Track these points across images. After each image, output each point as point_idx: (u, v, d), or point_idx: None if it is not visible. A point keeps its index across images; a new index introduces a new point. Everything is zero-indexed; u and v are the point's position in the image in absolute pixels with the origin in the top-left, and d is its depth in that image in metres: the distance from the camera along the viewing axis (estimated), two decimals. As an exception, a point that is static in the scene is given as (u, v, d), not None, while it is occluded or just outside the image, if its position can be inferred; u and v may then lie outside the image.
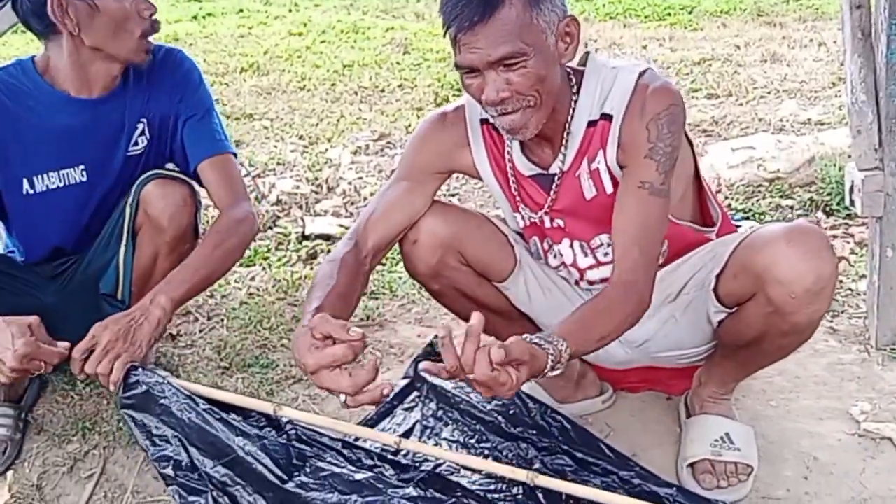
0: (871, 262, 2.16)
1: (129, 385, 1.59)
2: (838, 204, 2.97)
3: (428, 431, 1.76)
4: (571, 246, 1.71)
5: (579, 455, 1.61)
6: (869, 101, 2.01)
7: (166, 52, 1.97)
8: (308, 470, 1.53)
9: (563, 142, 1.60)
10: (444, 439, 1.74)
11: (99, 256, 1.95)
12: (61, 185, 1.88)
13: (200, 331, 2.39)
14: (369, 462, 1.57)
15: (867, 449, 1.79)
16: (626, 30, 6.68)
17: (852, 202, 2.10)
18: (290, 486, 1.49)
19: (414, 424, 1.78)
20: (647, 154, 1.52)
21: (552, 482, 1.45)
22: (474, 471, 1.55)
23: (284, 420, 1.59)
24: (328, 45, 6.61)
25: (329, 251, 2.92)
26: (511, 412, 1.72)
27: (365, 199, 3.42)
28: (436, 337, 1.90)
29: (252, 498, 1.49)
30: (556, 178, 1.64)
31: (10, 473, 1.83)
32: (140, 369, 1.61)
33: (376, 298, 2.58)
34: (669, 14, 7.20)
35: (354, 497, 1.47)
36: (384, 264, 2.85)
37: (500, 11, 1.40)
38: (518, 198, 1.70)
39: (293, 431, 1.59)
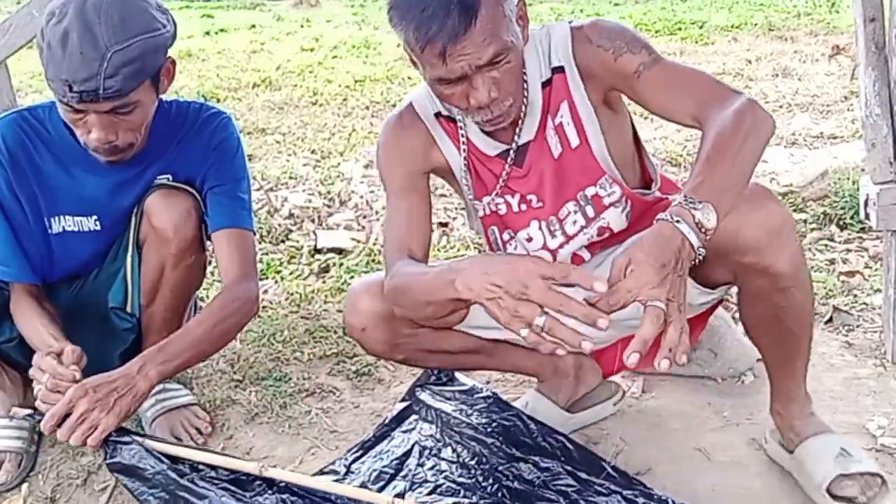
0: (887, 276, 2.14)
1: (110, 451, 1.56)
2: (852, 217, 2.96)
3: (426, 452, 1.74)
4: (540, 228, 1.71)
5: (582, 476, 1.60)
6: (883, 115, 2.01)
7: (210, 115, 1.92)
8: None
9: (522, 113, 1.60)
10: (444, 460, 1.72)
11: (107, 268, 1.95)
12: (76, 229, 1.88)
13: (213, 344, 2.38)
14: None
15: (885, 464, 1.77)
16: (636, 44, 6.69)
17: (867, 216, 2.09)
18: None
19: (412, 446, 1.76)
20: (616, 57, 1.53)
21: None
22: None
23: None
24: (340, 60, 6.67)
25: (342, 264, 2.93)
26: (511, 433, 1.70)
27: (377, 212, 3.42)
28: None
29: None
30: (519, 149, 1.64)
31: (24, 486, 1.83)
32: (115, 434, 1.57)
33: (389, 312, 2.58)
34: (680, 28, 7.22)
35: None
36: (396, 278, 2.85)
37: (479, 14, 1.39)
38: (481, 180, 1.69)
39: (283, 484, 1.58)
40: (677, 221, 1.23)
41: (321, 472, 1.75)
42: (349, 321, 1.74)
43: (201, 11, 9.77)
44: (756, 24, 7.14)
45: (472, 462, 1.69)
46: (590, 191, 1.67)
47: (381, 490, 1.65)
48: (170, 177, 1.88)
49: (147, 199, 1.86)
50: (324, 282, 2.82)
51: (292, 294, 2.69)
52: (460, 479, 1.66)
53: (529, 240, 1.72)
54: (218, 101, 5.27)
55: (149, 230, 1.87)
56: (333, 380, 2.20)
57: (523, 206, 1.70)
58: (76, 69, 1.58)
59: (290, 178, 3.87)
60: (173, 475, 1.53)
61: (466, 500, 1.60)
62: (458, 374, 1.87)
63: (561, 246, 1.72)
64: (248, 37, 7.84)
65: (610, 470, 1.61)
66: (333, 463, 1.78)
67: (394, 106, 5.24)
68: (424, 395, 1.84)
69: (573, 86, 1.60)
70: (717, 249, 1.46)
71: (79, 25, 1.58)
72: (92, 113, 1.64)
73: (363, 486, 1.67)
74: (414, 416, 1.83)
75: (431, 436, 1.77)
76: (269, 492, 1.57)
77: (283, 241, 3.19)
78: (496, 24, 1.41)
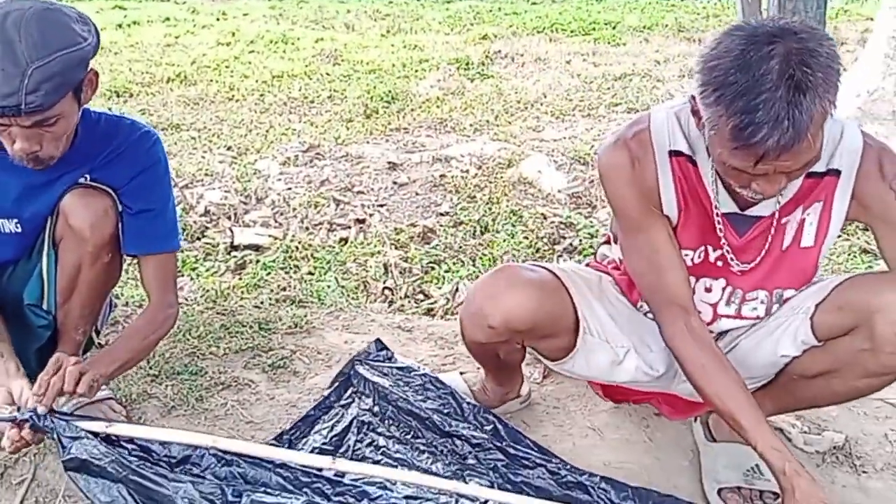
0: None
1: (65, 446, 1.61)
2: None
3: (364, 428, 1.84)
4: (724, 289, 1.70)
5: (510, 451, 1.74)
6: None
7: (142, 135, 1.94)
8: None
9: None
10: (381, 435, 1.82)
11: (22, 266, 1.96)
12: None
13: (129, 340, 2.41)
14: (306, 479, 1.62)
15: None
16: (552, 44, 6.86)
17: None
18: None
19: (351, 422, 1.86)
20: None
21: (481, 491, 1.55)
22: (409, 484, 1.60)
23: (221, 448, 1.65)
24: (257, 55, 6.63)
25: (258, 261, 2.98)
26: (446, 411, 1.82)
27: (294, 209, 3.47)
28: (378, 340, 1.99)
29: None
30: (753, 220, 1.63)
31: (-64, 483, 1.83)
32: (68, 427, 1.64)
33: (304, 306, 2.65)
34: (594, 29, 7.41)
35: None
36: (312, 273, 2.92)
37: (808, 134, 1.34)
38: (690, 228, 1.66)
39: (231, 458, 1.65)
40: None
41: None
42: (487, 308, 1.68)
43: (113, 3, 9.54)
44: (667, 26, 7.38)
45: (408, 437, 1.81)
46: (788, 293, 1.69)
47: (321, 468, 1.71)
48: (87, 180, 1.90)
49: (64, 198, 1.88)
50: (240, 278, 2.86)
51: (208, 291, 2.72)
52: (397, 455, 1.78)
53: (708, 290, 1.71)
54: (131, 95, 5.21)
55: (65, 229, 1.89)
56: (249, 373, 2.26)
57: (720, 263, 1.68)
58: None
59: (206, 174, 3.88)
60: (125, 462, 1.58)
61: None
62: (396, 354, 1.98)
63: (727, 316, 1.73)
64: (163, 30, 7.70)
65: (534, 447, 1.75)
66: (278, 437, 1.87)
67: (312, 102, 5.27)
68: (363, 369, 1.93)
69: (840, 196, 1.59)
70: (865, 304, 1.54)
71: None
72: (15, 125, 1.67)
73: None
74: (352, 390, 1.93)
75: (369, 410, 1.87)
76: (219, 465, 1.65)
77: (198, 239, 3.21)
78: (815, 140, 1.37)
